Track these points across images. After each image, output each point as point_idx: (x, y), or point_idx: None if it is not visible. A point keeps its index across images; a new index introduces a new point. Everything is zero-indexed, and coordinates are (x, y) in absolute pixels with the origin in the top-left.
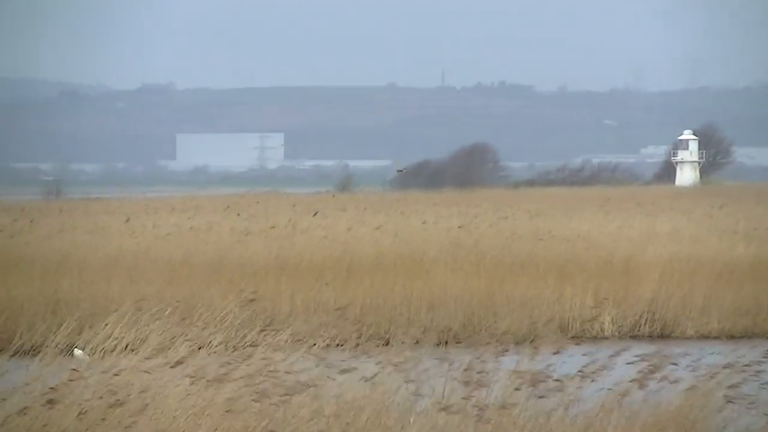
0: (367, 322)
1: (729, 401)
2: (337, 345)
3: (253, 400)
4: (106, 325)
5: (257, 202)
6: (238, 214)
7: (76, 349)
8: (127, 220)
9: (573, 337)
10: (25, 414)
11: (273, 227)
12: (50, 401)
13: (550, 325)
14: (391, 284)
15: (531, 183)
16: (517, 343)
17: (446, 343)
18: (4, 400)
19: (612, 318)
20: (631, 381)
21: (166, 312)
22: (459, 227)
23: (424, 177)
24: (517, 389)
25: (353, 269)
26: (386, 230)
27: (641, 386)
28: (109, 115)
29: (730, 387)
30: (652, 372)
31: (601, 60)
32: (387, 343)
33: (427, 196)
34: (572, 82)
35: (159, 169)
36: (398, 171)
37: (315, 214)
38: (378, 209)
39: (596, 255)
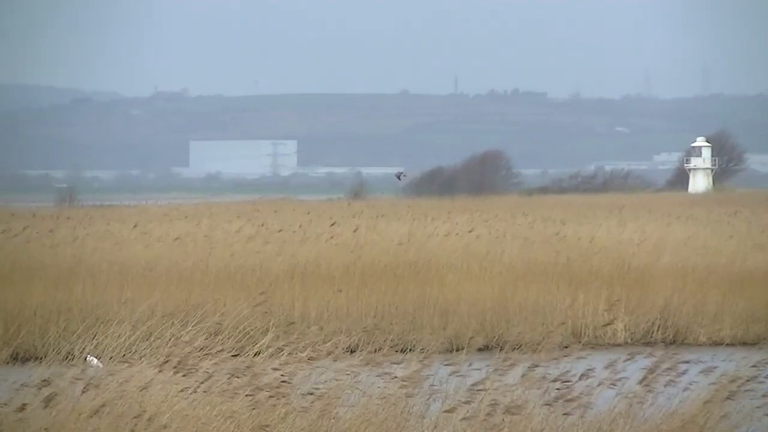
0: (380, 329)
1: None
2: (351, 351)
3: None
4: (119, 331)
5: (275, 211)
6: (258, 223)
7: (89, 357)
8: (135, 226)
9: (585, 344)
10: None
11: (280, 231)
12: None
13: (563, 331)
14: (403, 291)
15: (544, 190)
16: (532, 350)
17: (459, 350)
18: (5, 405)
19: (625, 325)
20: (642, 386)
21: (179, 319)
22: (469, 232)
23: (437, 184)
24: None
25: (366, 276)
26: (399, 237)
27: (651, 390)
28: (122, 122)
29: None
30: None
31: (613, 67)
32: (401, 350)
33: (440, 203)
34: (585, 90)
35: (172, 176)
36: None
37: (333, 224)
38: (391, 216)
39: (609, 262)
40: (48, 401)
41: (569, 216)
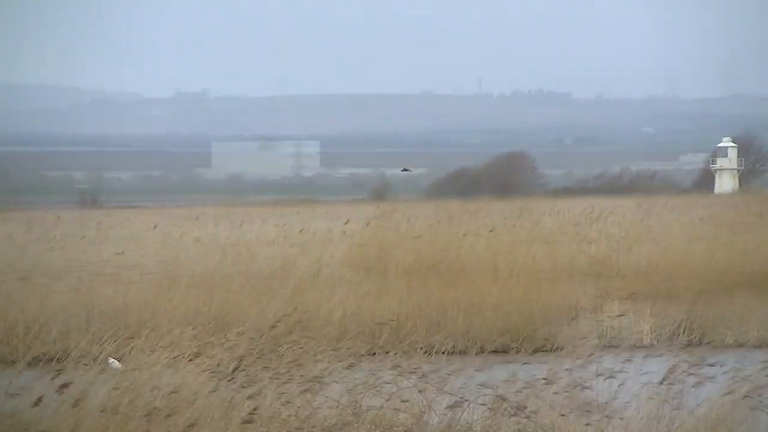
0: (404, 331)
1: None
2: (373, 354)
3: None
4: (141, 334)
5: (297, 212)
6: (281, 224)
7: (110, 359)
8: (155, 227)
9: (611, 346)
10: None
11: (301, 231)
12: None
13: (588, 333)
14: (427, 292)
15: (569, 191)
16: (557, 352)
17: (482, 352)
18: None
19: (651, 326)
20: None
21: (200, 323)
22: (489, 232)
23: (461, 185)
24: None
25: (389, 277)
26: (424, 238)
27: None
28: (143, 123)
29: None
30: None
31: (637, 68)
32: (424, 352)
33: (463, 204)
34: (609, 90)
35: (194, 177)
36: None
37: (347, 223)
38: (415, 217)
39: (634, 262)
40: (70, 399)
41: (593, 216)
